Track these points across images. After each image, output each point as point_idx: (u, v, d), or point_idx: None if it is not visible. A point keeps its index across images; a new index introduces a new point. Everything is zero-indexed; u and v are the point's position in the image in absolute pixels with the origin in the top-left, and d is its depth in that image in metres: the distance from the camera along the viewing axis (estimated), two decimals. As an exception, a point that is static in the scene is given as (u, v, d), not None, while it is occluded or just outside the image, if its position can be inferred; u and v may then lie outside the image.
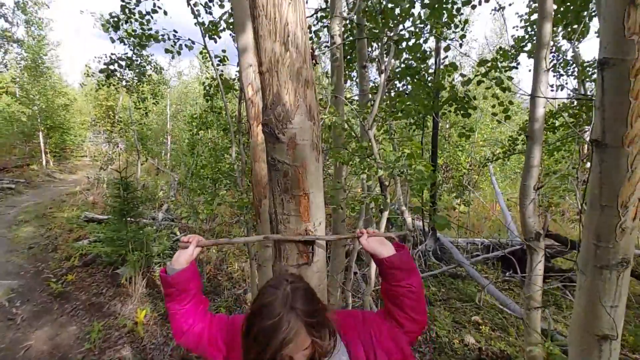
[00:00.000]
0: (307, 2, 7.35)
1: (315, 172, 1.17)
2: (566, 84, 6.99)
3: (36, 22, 18.01)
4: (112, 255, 4.97)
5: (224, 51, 4.48)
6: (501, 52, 5.54)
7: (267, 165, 1.19)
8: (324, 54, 6.53)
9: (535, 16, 5.64)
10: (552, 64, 6.24)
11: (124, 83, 6.82)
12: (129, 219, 5.21)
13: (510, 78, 2.69)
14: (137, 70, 6.41)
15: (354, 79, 7.26)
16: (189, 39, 4.17)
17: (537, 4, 3.22)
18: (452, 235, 8.17)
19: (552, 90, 6.71)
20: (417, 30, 3.65)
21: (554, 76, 6.85)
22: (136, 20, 4.24)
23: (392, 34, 2.94)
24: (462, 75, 2.81)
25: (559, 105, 5.70)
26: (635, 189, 1.13)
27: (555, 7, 5.03)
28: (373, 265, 3.07)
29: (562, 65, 6.53)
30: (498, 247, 7.01)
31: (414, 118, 3.60)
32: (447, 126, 12.84)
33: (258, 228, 2.89)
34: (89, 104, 28.24)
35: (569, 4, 4.46)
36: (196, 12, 4.42)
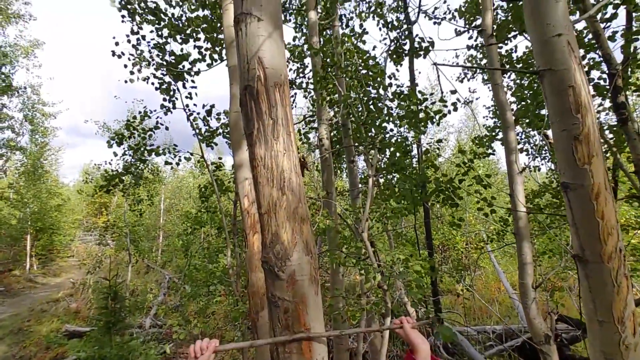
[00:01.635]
0: (295, 107, 8.09)
1: (314, 306, 1.18)
2: (542, 164, 7.42)
3: (41, 131, 18.87)
4: (91, 377, 4.46)
5: (220, 158, 4.80)
6: (477, 141, 5.99)
7: (267, 301, 1.21)
8: (313, 151, 7.01)
9: (500, 110, 6.31)
10: (524, 149, 6.76)
11: (120, 187, 6.99)
12: (114, 332, 4.83)
13: (489, 175, 2.91)
14: (134, 174, 6.69)
15: (344, 170, 7.68)
16: (188, 152, 4.50)
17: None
18: (460, 321, 7.70)
19: (530, 171, 7.12)
20: (398, 131, 4.03)
21: (528, 158, 7.35)
22: (139, 135, 4.61)
23: (376, 139, 3.24)
24: (444, 175, 3.03)
25: (539, 186, 5.99)
26: (627, 304, 1.16)
27: (514, 100, 5.71)
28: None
29: (535, 149, 7.02)
30: (511, 335, 6.58)
31: (405, 210, 3.73)
32: (438, 206, 13.09)
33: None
34: (82, 202, 28.45)
35: (529, 101, 5.07)
36: (195, 125, 4.85)
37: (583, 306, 1.27)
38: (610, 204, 1.19)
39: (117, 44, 4.75)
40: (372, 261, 2.33)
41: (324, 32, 6.03)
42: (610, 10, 3.98)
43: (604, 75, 4.49)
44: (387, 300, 2.29)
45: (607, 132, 4.88)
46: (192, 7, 5.24)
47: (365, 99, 3.66)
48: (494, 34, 2.85)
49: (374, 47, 6.44)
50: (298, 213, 1.21)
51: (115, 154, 4.61)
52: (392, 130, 4.15)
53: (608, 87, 4.21)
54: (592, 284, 1.20)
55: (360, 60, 3.71)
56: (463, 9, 6.28)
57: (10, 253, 18.00)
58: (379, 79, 3.55)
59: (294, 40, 6.58)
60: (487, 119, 7.39)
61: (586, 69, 4.46)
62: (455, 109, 3.11)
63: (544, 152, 7.08)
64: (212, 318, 5.69)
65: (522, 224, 2.24)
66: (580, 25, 4.94)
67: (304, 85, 6.69)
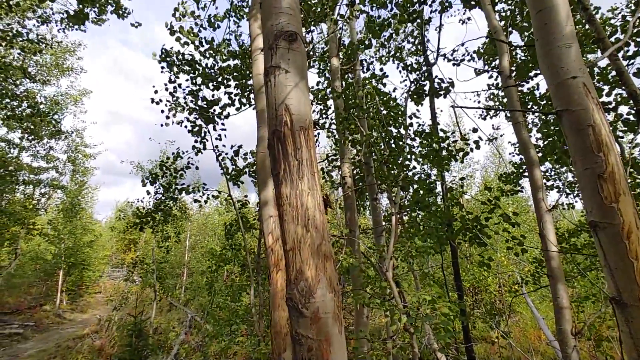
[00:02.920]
0: (318, 146, 8.30)
1: (338, 345, 1.18)
2: (575, 201, 7.06)
3: (81, 171, 20.12)
4: (111, 419, 4.39)
5: (245, 196, 4.96)
6: (504, 178, 5.85)
7: (291, 339, 1.22)
8: (336, 189, 7.08)
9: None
10: (555, 186, 6.52)
11: (150, 224, 7.24)
12: (136, 371, 4.80)
13: (516, 214, 2.83)
14: (164, 212, 6.96)
15: (367, 207, 7.64)
16: (216, 190, 4.71)
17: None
18: (497, 374, 7.08)
19: (564, 209, 6.80)
20: (421, 168, 4.05)
21: (559, 195, 7.05)
22: (171, 174, 4.88)
23: (399, 177, 3.27)
24: (469, 213, 2.98)
25: (575, 224, 5.70)
26: (675, 353, 1.08)
27: (540, 136, 5.61)
28: None
29: (566, 185, 6.73)
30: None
31: (430, 249, 3.64)
32: (467, 245, 12.56)
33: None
34: (112, 238, 29.45)
35: (555, 137, 4.99)
36: (223, 165, 5.10)
37: (625, 354, 1.19)
38: (644, 244, 1.14)
39: (156, 91, 5.21)
40: (398, 302, 2.27)
41: (346, 76, 6.34)
42: (632, 48, 3.99)
43: (633, 110, 4.41)
44: (415, 345, 2.19)
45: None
46: (224, 57, 5.72)
47: (387, 138, 3.76)
48: (513, 75, 2.91)
49: (394, 89, 6.67)
50: (322, 250, 1.24)
51: (149, 192, 4.89)
52: (414, 168, 4.19)
53: (637, 125, 4.11)
54: (634, 329, 1.13)
55: (381, 102, 3.86)
56: (481, 50, 6.46)
57: (43, 288, 18.62)
58: (400, 119, 3.66)
59: (317, 84, 6.93)
60: (513, 156, 7.26)
61: (613, 104, 4.39)
62: (478, 147, 3.13)
63: (576, 188, 6.78)
64: (233, 359, 5.54)
65: (555, 265, 2.13)
66: (603, 62, 4.95)
67: (326, 125, 6.93)
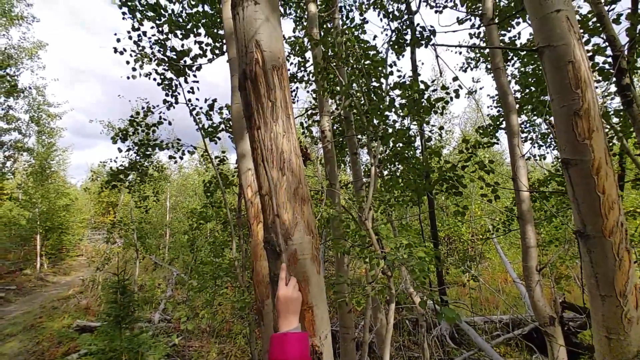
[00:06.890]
0: (297, 101, 8.07)
1: (317, 285, 1.20)
2: (547, 153, 7.31)
3: (47, 132, 18.97)
4: (103, 370, 4.54)
5: (223, 152, 4.82)
6: (481, 130, 5.96)
7: (270, 280, 1.23)
8: (316, 143, 7.01)
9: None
10: (528, 137, 6.71)
11: (126, 184, 7.03)
12: (123, 326, 4.91)
13: (492, 161, 2.89)
14: (139, 171, 6.74)
15: (347, 163, 7.65)
16: (191, 145, 4.54)
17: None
18: (466, 313, 7.71)
19: (535, 160, 7.06)
20: (400, 123, 4.02)
21: (532, 146, 7.27)
22: (143, 131, 4.65)
23: (379, 129, 3.23)
24: (446, 162, 3.02)
25: (545, 174, 5.95)
26: (629, 277, 1.16)
27: (519, 89, 5.65)
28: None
29: (539, 137, 6.94)
30: (518, 324, 6.58)
31: (409, 200, 3.72)
32: (443, 198, 13.06)
33: (262, 331, 2.75)
34: (90, 202, 28.74)
35: (532, 88, 5.02)
36: (198, 120, 4.88)
37: (585, 282, 1.27)
38: (611, 178, 1.18)
39: (118, 40, 4.78)
40: (376, 247, 2.34)
41: (324, 25, 6.00)
42: (614, -8, 3.91)
43: (609, 60, 4.44)
44: (392, 287, 2.30)
45: (613, 117, 4.82)
46: (192, 3, 5.24)
47: (367, 88, 3.65)
48: (495, 18, 2.82)
49: (375, 37, 6.38)
50: (298, 194, 1.22)
51: (120, 150, 4.67)
52: (394, 121, 4.13)
53: (612, 70, 4.16)
54: (594, 258, 1.20)
55: (361, 50, 3.69)
56: (465, -4, 6.19)
57: (21, 253, 18.27)
58: (380, 68, 3.53)
59: (294, 31, 6.56)
60: (491, 109, 7.32)
61: (590, 54, 4.39)
62: (457, 96, 3.09)
63: (549, 139, 7.01)
64: (219, 310, 5.77)
65: (525, 207, 2.23)
66: (584, 10, 4.87)
67: (305, 78, 6.67)
